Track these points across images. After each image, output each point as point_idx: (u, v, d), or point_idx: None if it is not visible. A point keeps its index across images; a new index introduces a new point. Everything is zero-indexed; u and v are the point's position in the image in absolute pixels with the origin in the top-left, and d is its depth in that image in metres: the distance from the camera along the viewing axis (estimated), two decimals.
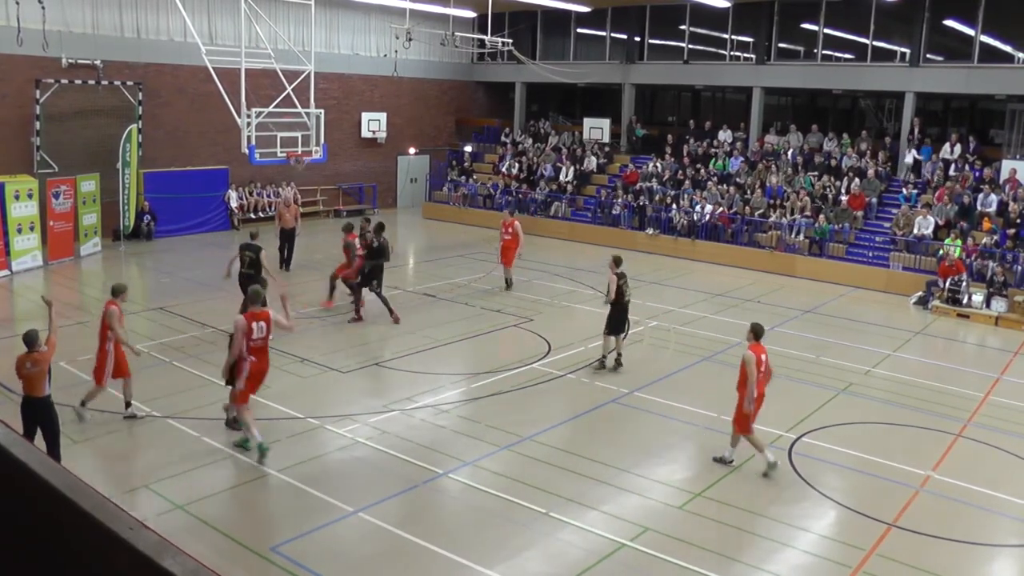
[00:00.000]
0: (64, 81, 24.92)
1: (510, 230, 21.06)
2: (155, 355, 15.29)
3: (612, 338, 15.21)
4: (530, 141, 35.52)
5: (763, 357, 11.06)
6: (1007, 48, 26.48)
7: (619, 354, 15.31)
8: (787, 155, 28.76)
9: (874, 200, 26.06)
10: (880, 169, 26.82)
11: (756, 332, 11.32)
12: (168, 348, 15.71)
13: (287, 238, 22.84)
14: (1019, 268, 21.53)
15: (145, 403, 12.82)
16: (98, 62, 25.69)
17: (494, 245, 22.85)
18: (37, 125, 24.47)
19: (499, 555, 9.00)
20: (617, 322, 15.16)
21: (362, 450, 11.56)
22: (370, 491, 10.25)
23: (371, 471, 10.95)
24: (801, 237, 25.33)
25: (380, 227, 18.00)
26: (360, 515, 9.65)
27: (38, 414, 9.91)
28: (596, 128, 33.47)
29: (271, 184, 30.74)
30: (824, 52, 29.62)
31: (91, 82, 25.60)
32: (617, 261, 15.32)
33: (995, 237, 22.53)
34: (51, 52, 23.38)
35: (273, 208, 30.51)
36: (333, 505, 9.84)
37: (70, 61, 25.06)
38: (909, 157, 26.82)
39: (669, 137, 32.38)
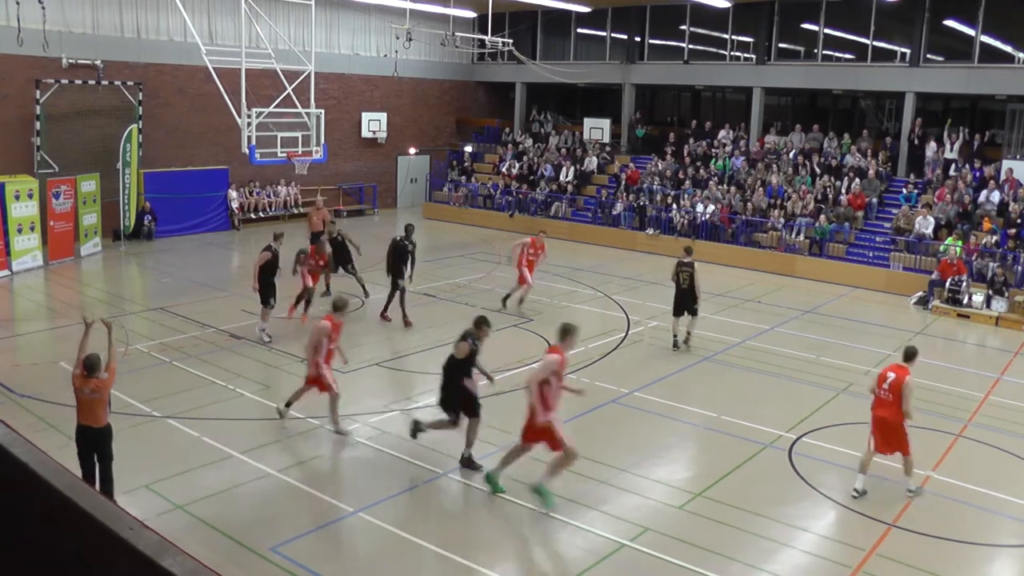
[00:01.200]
0: (64, 81, 24.93)
1: (540, 252, 19.70)
2: (155, 355, 15.30)
3: (673, 320, 16.81)
4: (530, 141, 35.51)
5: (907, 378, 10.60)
6: (1007, 48, 26.48)
7: (688, 333, 16.93)
8: (788, 155, 28.75)
9: (874, 200, 26.06)
10: (880, 169, 26.82)
11: (909, 355, 11.29)
12: (168, 348, 15.71)
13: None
14: (1019, 268, 21.53)
15: (145, 403, 12.83)
16: (98, 62, 25.70)
17: (505, 256, 22.03)
18: (37, 125, 24.48)
19: (499, 555, 9.00)
20: (675, 305, 16.71)
21: (362, 450, 11.57)
22: (370, 491, 10.25)
23: (371, 471, 10.95)
24: (801, 237, 25.32)
25: (410, 228, 18.27)
26: (360, 515, 9.65)
27: (97, 444, 9.39)
28: (596, 128, 33.46)
29: (271, 184, 30.76)
30: (824, 52, 29.63)
31: (91, 82, 25.61)
32: (688, 250, 17.10)
33: (995, 237, 22.53)
34: (51, 52, 23.39)
35: (273, 208, 30.55)
36: (333, 505, 9.85)
37: (70, 61, 25.07)
38: (932, 150, 26.60)
39: (671, 136, 32.35)
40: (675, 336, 16.85)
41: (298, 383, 13.91)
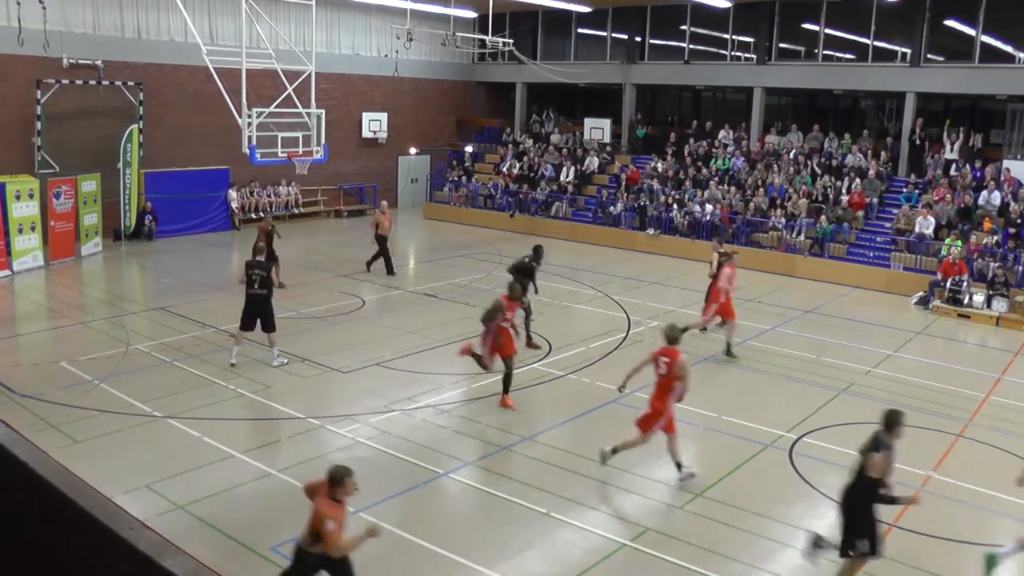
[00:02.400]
0: (65, 81, 24.94)
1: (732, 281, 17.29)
2: (156, 355, 15.31)
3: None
4: (531, 141, 35.50)
5: None
6: (1008, 48, 26.47)
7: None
8: (788, 155, 28.74)
9: (875, 200, 26.06)
10: (881, 169, 26.81)
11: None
12: (169, 348, 15.71)
13: (384, 243, 22.51)
14: (1020, 268, 21.52)
15: (146, 403, 12.83)
16: (99, 62, 25.71)
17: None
18: (38, 125, 24.49)
19: (500, 555, 9.00)
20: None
21: (363, 450, 11.57)
22: (371, 491, 10.23)
23: (372, 471, 10.94)
24: (802, 237, 25.31)
25: (539, 251, 17.34)
26: (360, 515, 9.63)
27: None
28: (597, 128, 33.45)
29: (272, 184, 30.77)
30: (825, 52, 29.62)
31: (92, 82, 25.62)
32: (721, 243, 18.54)
33: (996, 237, 22.53)
34: (52, 52, 23.41)
35: (274, 208, 30.56)
36: None
37: (71, 61, 25.08)
38: (949, 151, 26.55)
39: (671, 136, 32.34)
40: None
41: (296, 381, 13.93)
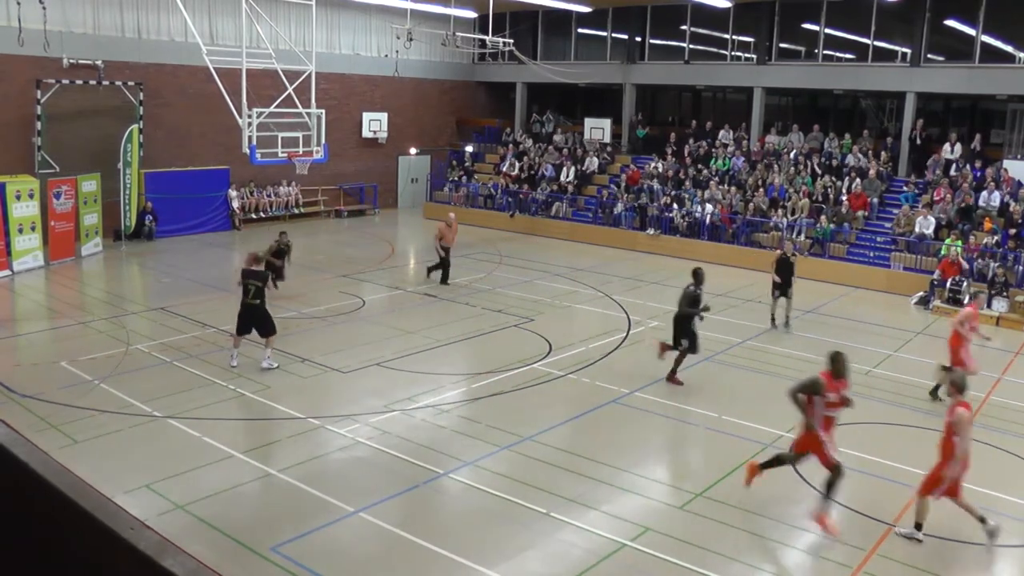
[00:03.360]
0: (65, 81, 24.94)
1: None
2: (156, 355, 15.31)
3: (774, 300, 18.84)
4: (531, 141, 35.50)
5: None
6: (1008, 48, 26.47)
7: (786, 317, 18.96)
8: (788, 155, 28.74)
9: (875, 200, 26.05)
10: (881, 169, 26.81)
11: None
12: (169, 348, 15.71)
13: (447, 254, 21.89)
14: (1020, 268, 21.53)
15: (146, 402, 12.83)
16: (99, 62, 25.71)
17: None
18: (38, 125, 24.49)
19: (500, 555, 9.00)
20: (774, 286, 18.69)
21: (363, 450, 11.56)
22: (371, 491, 10.25)
23: (372, 471, 10.95)
24: (802, 237, 25.32)
25: (700, 275, 15.16)
26: (361, 515, 9.65)
27: None
28: (597, 128, 33.46)
29: (272, 184, 30.77)
30: (825, 52, 29.62)
31: (92, 82, 25.62)
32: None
33: (996, 237, 22.53)
34: (52, 52, 23.43)
35: (274, 208, 30.58)
36: (333, 505, 9.84)
37: (71, 61, 25.08)
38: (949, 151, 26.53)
39: (672, 136, 32.33)
40: (773, 316, 19.06)
41: (296, 381, 13.93)
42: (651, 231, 28.03)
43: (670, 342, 14.63)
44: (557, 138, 35.25)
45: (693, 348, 14.66)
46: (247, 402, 13.21)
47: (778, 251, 19.94)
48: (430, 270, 22.20)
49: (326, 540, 9.12)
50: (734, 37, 31.68)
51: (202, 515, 9.49)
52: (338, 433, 12.08)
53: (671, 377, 14.64)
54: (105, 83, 25.88)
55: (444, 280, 21.82)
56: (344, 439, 11.89)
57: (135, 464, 10.78)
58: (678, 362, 14.65)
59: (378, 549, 9.15)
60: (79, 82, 25.33)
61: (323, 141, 21.98)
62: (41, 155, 24.54)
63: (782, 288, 18.66)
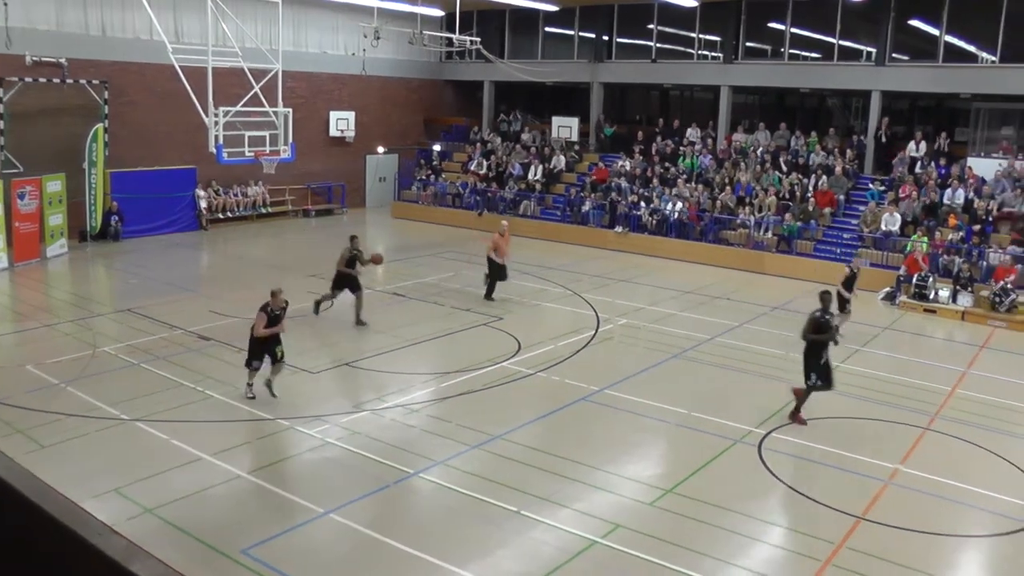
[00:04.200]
0: (28, 79, 24.59)
1: None
2: (123, 357, 15.14)
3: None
4: (499, 140, 35.49)
5: None
6: (971, 48, 26.81)
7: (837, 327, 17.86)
8: (755, 153, 28.93)
9: (841, 197, 26.28)
10: (847, 167, 27.06)
11: None
12: (136, 350, 15.56)
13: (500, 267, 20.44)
14: (984, 264, 21.82)
15: (113, 405, 12.69)
16: (63, 60, 25.38)
17: None
18: (1, 124, 24.13)
19: (471, 554, 9.00)
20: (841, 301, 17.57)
21: (333, 451, 11.52)
22: (341, 492, 10.21)
23: (342, 472, 10.91)
24: (769, 234, 25.51)
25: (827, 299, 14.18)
26: (331, 516, 9.61)
27: None
28: (564, 127, 33.52)
29: (240, 184, 30.56)
30: (791, 51, 29.83)
31: (56, 80, 25.28)
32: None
33: (960, 233, 22.83)
34: (15, 49, 23.13)
35: (241, 208, 30.37)
36: (304, 506, 9.80)
37: (34, 59, 24.74)
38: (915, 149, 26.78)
39: (639, 135, 32.45)
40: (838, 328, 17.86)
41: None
42: (620, 229, 28.11)
43: (802, 385, 13.05)
44: (525, 137, 35.27)
45: (828, 383, 13.12)
46: (215, 404, 13.10)
47: (846, 269, 18.94)
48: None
49: (297, 542, 9.08)
50: (701, 36, 31.83)
51: (171, 519, 9.41)
52: (308, 434, 12.02)
53: (794, 415, 13.01)
54: (69, 81, 25.56)
55: (489, 295, 20.22)
56: (314, 440, 11.83)
57: (103, 468, 10.67)
58: (802, 399, 13.07)
59: (349, 550, 9.12)
60: (43, 80, 24.98)
61: (290, 140, 21.84)
62: (4, 155, 24.19)
63: (843, 303, 17.59)
